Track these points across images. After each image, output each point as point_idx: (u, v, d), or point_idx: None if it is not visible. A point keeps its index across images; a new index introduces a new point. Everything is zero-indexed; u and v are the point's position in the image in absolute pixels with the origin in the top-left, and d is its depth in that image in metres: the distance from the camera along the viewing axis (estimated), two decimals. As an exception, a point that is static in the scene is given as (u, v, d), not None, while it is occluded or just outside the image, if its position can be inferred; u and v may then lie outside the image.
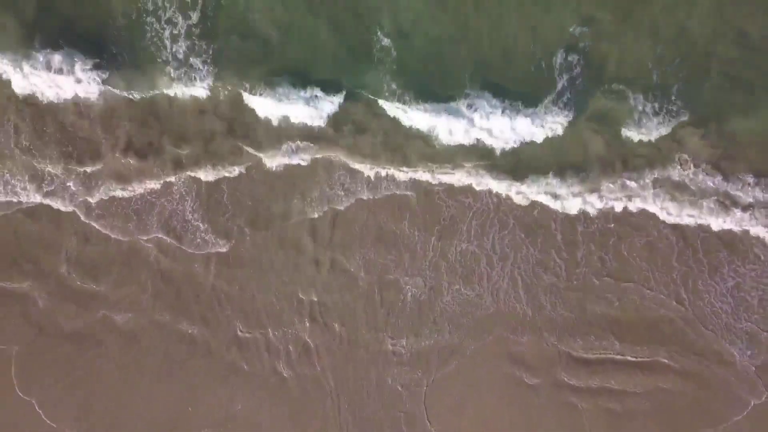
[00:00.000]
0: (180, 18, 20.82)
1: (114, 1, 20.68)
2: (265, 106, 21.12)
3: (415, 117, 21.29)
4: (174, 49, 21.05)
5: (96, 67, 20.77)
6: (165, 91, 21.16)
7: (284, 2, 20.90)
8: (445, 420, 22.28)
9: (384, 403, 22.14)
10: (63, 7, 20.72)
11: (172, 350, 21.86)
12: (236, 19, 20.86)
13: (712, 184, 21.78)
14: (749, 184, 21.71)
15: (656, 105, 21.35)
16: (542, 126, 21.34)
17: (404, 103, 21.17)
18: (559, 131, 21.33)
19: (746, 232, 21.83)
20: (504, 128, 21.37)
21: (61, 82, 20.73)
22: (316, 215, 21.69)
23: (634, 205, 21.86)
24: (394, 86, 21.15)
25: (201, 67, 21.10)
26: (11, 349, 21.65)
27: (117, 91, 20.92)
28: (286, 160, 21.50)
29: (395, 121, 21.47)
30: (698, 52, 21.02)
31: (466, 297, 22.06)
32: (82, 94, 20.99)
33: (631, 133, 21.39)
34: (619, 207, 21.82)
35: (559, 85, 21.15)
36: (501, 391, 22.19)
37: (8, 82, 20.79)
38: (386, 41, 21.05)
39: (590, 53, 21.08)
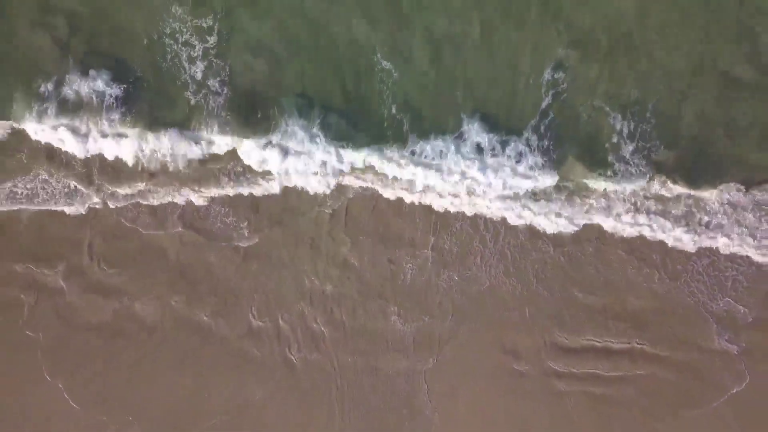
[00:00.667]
0: (198, 43, 23.21)
1: (135, 28, 22.50)
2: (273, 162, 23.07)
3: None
4: (192, 71, 23.33)
5: (125, 96, 22.57)
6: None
7: (291, 27, 23.25)
8: (443, 403, 23.76)
9: (385, 387, 23.69)
10: (85, 34, 22.44)
11: (190, 340, 23.55)
12: (250, 41, 23.36)
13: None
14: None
15: (632, 125, 22.88)
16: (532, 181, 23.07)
17: (403, 144, 22.95)
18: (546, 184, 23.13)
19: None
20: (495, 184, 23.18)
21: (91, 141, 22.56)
22: (326, 210, 23.72)
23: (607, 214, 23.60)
24: (394, 111, 23.47)
25: (219, 90, 23.45)
26: (39, 335, 23.34)
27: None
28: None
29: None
30: (677, 84, 22.66)
31: (462, 274, 23.81)
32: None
33: (612, 185, 23.00)
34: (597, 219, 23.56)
35: (544, 103, 23.12)
36: (493, 378, 23.76)
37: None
38: (386, 64, 23.49)
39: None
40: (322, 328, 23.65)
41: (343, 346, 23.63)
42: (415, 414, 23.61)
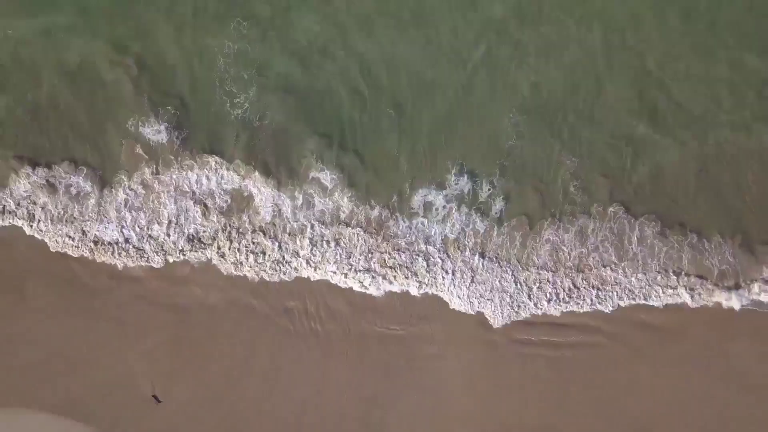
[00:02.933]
0: (241, 95, 30.68)
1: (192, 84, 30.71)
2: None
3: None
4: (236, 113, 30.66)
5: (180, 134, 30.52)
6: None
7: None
8: (434, 363, 30.48)
9: (388, 348, 30.40)
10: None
11: (240, 318, 30.20)
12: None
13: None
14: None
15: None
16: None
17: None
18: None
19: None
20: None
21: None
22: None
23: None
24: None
25: (257, 121, 30.82)
26: (121, 313, 30.14)
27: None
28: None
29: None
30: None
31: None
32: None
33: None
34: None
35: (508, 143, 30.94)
36: (472, 345, 30.67)
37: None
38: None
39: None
40: (339, 306, 30.65)
41: (354, 319, 30.48)
42: (413, 368, 30.15)
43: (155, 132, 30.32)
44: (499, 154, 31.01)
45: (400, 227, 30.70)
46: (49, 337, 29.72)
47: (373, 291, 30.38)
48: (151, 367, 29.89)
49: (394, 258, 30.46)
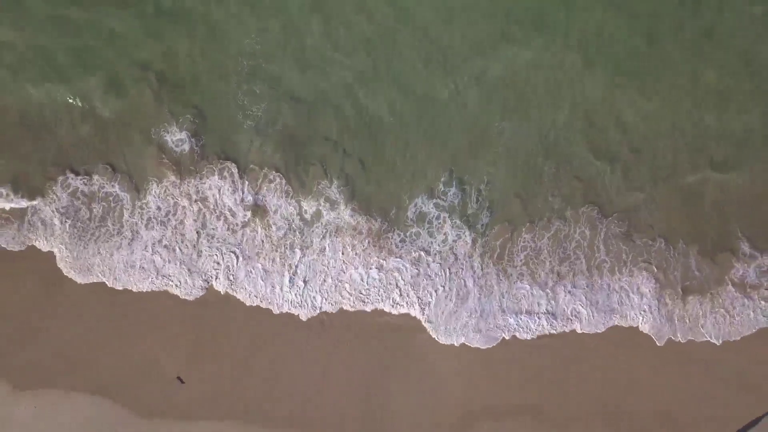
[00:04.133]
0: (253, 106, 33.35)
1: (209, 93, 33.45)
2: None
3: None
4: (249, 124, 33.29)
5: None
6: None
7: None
8: (432, 353, 32.44)
9: (386, 337, 32.59)
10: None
11: (251, 310, 33.03)
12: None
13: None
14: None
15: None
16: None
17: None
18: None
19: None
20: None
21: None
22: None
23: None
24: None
25: (268, 132, 33.46)
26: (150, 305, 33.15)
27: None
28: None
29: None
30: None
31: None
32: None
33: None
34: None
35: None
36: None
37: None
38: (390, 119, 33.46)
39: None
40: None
41: (356, 313, 32.76)
42: (409, 356, 32.18)
43: (179, 142, 32.89)
44: (488, 161, 33.05)
45: (396, 241, 32.71)
46: (82, 326, 32.44)
47: (367, 308, 32.52)
48: (173, 352, 32.40)
49: (394, 275, 32.45)
